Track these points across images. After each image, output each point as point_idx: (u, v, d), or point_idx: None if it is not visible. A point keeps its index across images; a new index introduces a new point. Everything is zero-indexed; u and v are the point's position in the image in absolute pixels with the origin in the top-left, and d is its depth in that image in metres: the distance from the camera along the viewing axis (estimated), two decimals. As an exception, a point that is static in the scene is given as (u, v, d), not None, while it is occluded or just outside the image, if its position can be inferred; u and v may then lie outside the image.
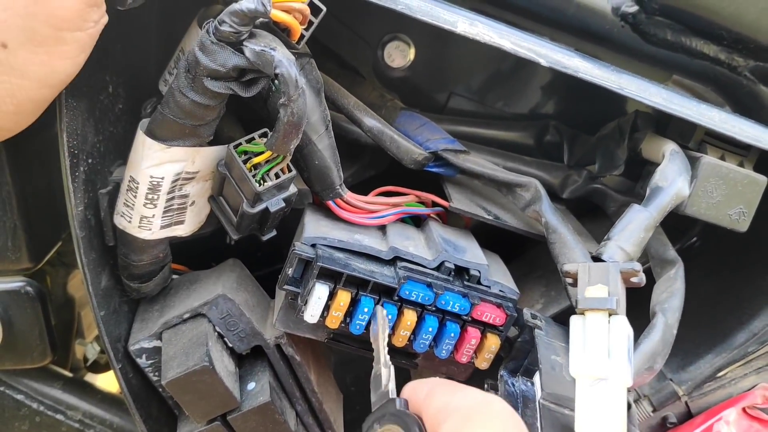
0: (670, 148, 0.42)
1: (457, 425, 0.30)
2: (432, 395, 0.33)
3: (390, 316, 0.39)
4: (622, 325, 0.33)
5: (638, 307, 0.41)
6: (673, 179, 0.40)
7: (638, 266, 0.35)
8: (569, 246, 0.39)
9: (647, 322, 0.39)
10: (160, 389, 0.45)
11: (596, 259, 0.38)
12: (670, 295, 0.40)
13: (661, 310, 0.39)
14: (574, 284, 0.37)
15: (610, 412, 0.32)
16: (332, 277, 0.39)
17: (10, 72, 0.32)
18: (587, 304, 0.35)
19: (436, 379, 0.37)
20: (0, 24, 0.31)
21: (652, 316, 0.39)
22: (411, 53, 0.50)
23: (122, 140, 0.42)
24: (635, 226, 0.38)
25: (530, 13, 0.45)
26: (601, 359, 0.33)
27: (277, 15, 0.31)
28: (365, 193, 0.44)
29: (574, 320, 0.35)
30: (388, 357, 0.37)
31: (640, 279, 0.36)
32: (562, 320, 0.41)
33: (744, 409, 0.46)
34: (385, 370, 0.36)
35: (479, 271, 0.41)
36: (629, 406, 0.37)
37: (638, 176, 0.48)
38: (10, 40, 0.31)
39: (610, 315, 0.34)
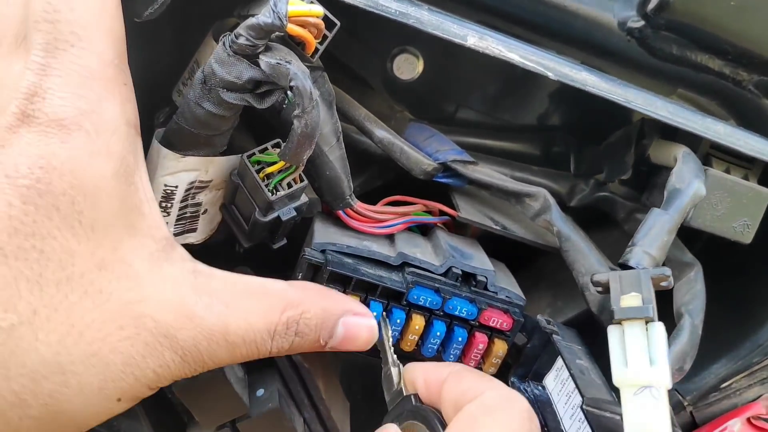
0: (681, 150, 0.43)
1: (477, 412, 0.30)
2: (458, 378, 0.33)
3: (399, 321, 0.40)
4: (661, 332, 0.34)
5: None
6: (689, 180, 0.40)
7: (668, 271, 0.36)
8: (583, 253, 0.40)
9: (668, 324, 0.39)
10: (170, 395, 0.45)
11: (624, 266, 0.38)
12: (693, 297, 0.40)
13: (687, 312, 0.39)
14: (604, 292, 0.37)
15: (658, 417, 0.32)
16: (341, 282, 0.39)
17: None
18: (624, 314, 0.35)
19: (455, 363, 0.37)
20: None
21: (678, 317, 0.39)
22: (420, 65, 0.50)
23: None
24: (658, 230, 0.39)
25: (537, 27, 0.46)
26: (644, 367, 0.33)
27: (293, 29, 0.32)
28: (373, 203, 0.44)
29: (612, 330, 0.35)
30: (395, 356, 0.38)
31: (669, 283, 0.36)
32: (569, 329, 0.42)
33: (749, 420, 0.46)
34: (394, 369, 0.37)
35: (486, 277, 0.41)
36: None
37: (644, 186, 0.48)
38: None
39: (647, 323, 0.34)
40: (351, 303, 0.38)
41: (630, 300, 0.35)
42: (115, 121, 0.31)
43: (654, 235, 0.39)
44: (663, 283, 0.36)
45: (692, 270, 0.42)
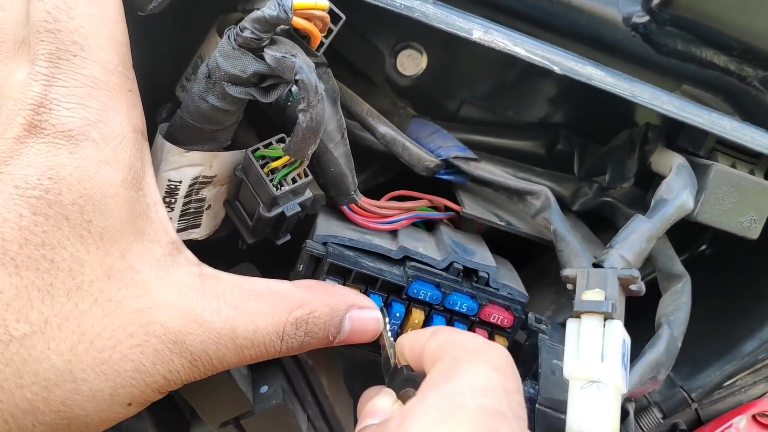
0: (677, 161, 0.43)
1: (459, 354, 0.30)
2: (437, 333, 0.34)
3: (398, 314, 0.40)
4: (617, 330, 0.34)
5: (643, 317, 0.41)
6: (678, 192, 0.41)
7: (636, 273, 0.36)
8: (576, 253, 0.40)
9: (651, 334, 0.39)
10: (173, 393, 0.45)
11: (597, 265, 0.38)
12: (677, 308, 0.40)
13: (666, 322, 0.39)
14: (573, 287, 0.37)
15: (601, 413, 0.32)
16: (342, 274, 0.39)
17: None
18: (583, 306, 0.35)
19: (435, 326, 0.38)
20: None
21: (657, 327, 0.39)
22: (423, 61, 0.50)
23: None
24: (637, 236, 0.39)
25: (542, 23, 0.46)
26: (595, 362, 0.33)
27: (298, 22, 0.32)
28: (376, 199, 0.44)
29: (570, 323, 0.35)
30: (392, 338, 0.38)
31: (639, 287, 0.36)
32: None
33: (754, 417, 0.46)
34: (390, 350, 0.38)
35: (488, 273, 0.41)
36: (626, 414, 0.37)
37: (649, 186, 0.48)
38: None
39: (605, 319, 0.34)
40: (355, 297, 0.38)
41: (592, 295, 0.35)
42: (121, 129, 0.31)
43: (633, 240, 0.39)
44: (632, 287, 0.36)
45: (680, 282, 0.42)
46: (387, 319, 0.39)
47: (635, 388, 0.37)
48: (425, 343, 0.33)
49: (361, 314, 0.37)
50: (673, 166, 0.43)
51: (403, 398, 0.35)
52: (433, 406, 0.28)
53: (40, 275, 0.29)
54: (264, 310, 0.34)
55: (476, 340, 0.33)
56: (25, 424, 0.29)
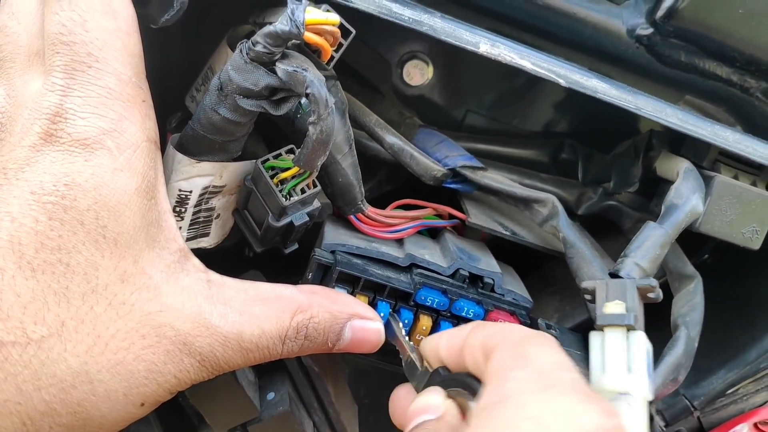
0: (684, 166, 0.43)
1: (519, 340, 0.30)
2: (478, 328, 0.34)
3: (406, 321, 0.41)
4: (641, 340, 0.34)
5: (658, 321, 0.41)
6: (687, 197, 0.41)
7: (654, 282, 0.36)
8: (587, 261, 0.40)
9: (666, 335, 0.39)
10: (181, 398, 0.45)
11: (614, 275, 0.38)
12: (691, 309, 0.41)
13: (683, 323, 0.40)
14: (593, 300, 0.37)
15: (633, 425, 0.32)
16: (350, 282, 0.40)
17: None
18: (606, 320, 0.35)
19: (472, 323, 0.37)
20: None
21: (674, 329, 0.40)
22: (429, 72, 0.51)
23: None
24: (651, 243, 0.39)
25: (547, 34, 0.46)
26: (621, 374, 0.34)
27: (310, 37, 0.33)
28: (381, 207, 0.45)
29: (594, 336, 0.36)
30: (411, 343, 0.39)
31: (657, 295, 0.37)
32: (577, 335, 0.42)
33: (756, 425, 0.47)
34: (414, 354, 0.38)
35: (493, 280, 0.42)
36: (651, 418, 0.37)
37: (652, 194, 0.48)
38: None
39: (628, 330, 0.35)
40: (358, 306, 0.38)
41: (613, 307, 0.35)
42: (136, 139, 0.32)
43: (647, 247, 0.39)
44: (650, 295, 0.36)
45: (692, 282, 0.42)
46: (401, 325, 0.40)
47: (658, 392, 0.38)
48: (466, 340, 0.33)
49: (363, 324, 0.38)
50: (680, 170, 0.43)
51: (454, 397, 0.34)
52: (525, 384, 0.27)
53: (56, 279, 0.29)
54: (268, 315, 0.34)
55: (521, 327, 0.34)
56: (42, 426, 0.29)
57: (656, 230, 0.40)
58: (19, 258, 0.29)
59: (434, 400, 0.33)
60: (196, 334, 0.32)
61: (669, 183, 0.43)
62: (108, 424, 0.31)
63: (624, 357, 0.34)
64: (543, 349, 0.30)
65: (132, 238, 0.31)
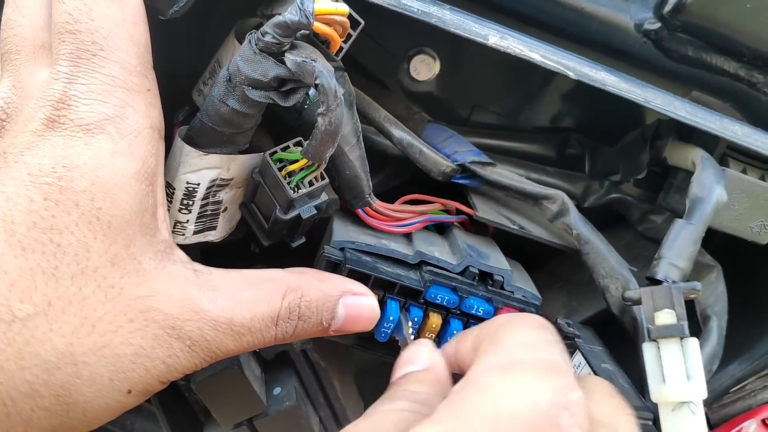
0: (699, 155, 0.43)
1: (496, 327, 0.30)
2: (470, 330, 0.33)
3: (416, 319, 0.40)
4: (696, 348, 0.34)
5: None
6: (711, 187, 0.41)
7: (699, 286, 0.36)
8: (603, 256, 0.40)
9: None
10: (187, 393, 0.45)
11: (652, 279, 0.38)
12: (717, 299, 0.41)
13: (713, 314, 0.40)
14: (636, 304, 0.38)
15: (696, 431, 0.33)
16: (360, 279, 0.40)
17: None
18: (660, 333, 0.35)
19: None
20: None
21: (703, 320, 0.40)
22: (436, 66, 0.51)
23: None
24: (683, 242, 0.39)
25: (553, 29, 0.46)
26: (682, 384, 0.34)
27: (319, 27, 0.32)
28: (389, 202, 0.45)
29: (647, 348, 0.36)
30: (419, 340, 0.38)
31: (698, 296, 0.37)
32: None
33: (763, 421, 0.46)
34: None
35: (502, 277, 0.41)
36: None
37: (659, 188, 0.48)
38: None
39: (681, 339, 0.35)
40: (349, 284, 0.38)
41: (664, 317, 0.36)
42: (138, 125, 0.32)
43: (680, 246, 0.39)
44: (692, 296, 0.37)
45: (713, 272, 0.43)
46: (410, 323, 0.40)
47: None
48: (457, 344, 0.33)
49: (355, 300, 0.37)
50: (696, 160, 0.43)
51: None
52: (488, 367, 0.27)
53: (46, 258, 0.29)
54: (258, 298, 0.34)
55: (505, 315, 0.34)
56: (23, 408, 0.29)
57: (686, 227, 0.39)
58: (9, 236, 0.29)
59: (421, 352, 0.33)
60: (185, 318, 0.32)
61: (681, 171, 0.43)
62: (92, 411, 0.31)
63: (682, 366, 0.34)
64: (513, 330, 0.29)
65: (126, 222, 0.31)
